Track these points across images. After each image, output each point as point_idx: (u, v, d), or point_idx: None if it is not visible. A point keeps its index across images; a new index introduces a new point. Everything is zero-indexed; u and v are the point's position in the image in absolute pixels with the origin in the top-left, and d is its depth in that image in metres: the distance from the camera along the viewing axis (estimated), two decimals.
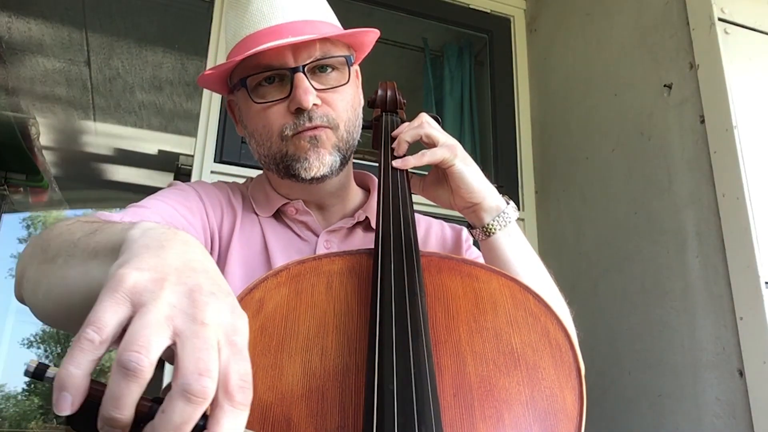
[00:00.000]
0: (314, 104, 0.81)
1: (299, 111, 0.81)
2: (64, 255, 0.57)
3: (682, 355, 1.46)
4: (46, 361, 0.40)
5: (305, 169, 0.83)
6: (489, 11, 2.33)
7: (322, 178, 0.84)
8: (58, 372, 0.37)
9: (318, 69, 0.84)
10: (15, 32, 2.88)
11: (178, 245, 0.47)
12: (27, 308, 0.69)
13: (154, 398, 0.39)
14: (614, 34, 1.88)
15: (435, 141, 0.83)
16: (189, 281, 0.42)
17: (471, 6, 2.31)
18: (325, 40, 0.84)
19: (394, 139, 0.88)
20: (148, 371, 0.37)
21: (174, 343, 0.39)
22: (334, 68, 0.86)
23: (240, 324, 0.42)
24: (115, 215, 0.75)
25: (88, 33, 2.86)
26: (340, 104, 0.85)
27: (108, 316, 0.39)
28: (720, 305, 1.38)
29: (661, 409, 1.49)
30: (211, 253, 0.81)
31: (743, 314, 1.32)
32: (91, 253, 0.53)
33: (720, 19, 1.50)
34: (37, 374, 0.39)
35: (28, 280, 0.64)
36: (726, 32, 1.50)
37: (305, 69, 0.81)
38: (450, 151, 0.82)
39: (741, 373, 1.31)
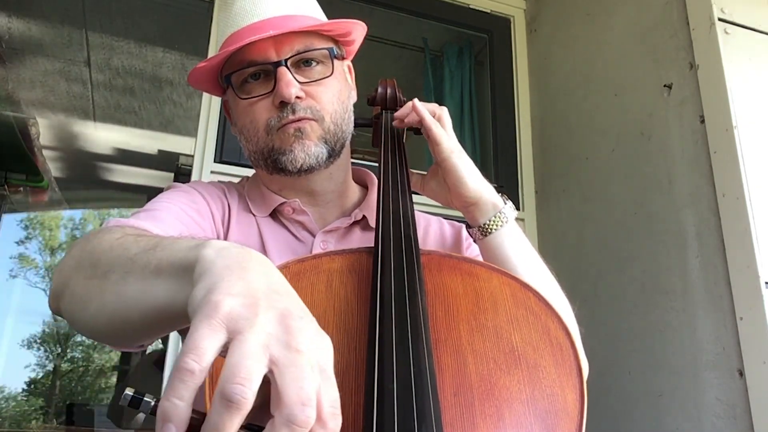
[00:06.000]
0: (297, 97, 0.82)
1: (283, 104, 0.82)
2: (120, 271, 0.56)
3: (682, 355, 1.46)
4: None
5: (291, 161, 0.83)
6: (489, 11, 2.33)
7: (310, 170, 0.84)
8: (161, 404, 0.38)
9: (303, 63, 0.85)
10: (15, 32, 2.87)
11: (257, 266, 0.46)
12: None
13: (248, 425, 0.39)
14: (614, 34, 1.87)
15: (442, 123, 0.85)
16: (278, 305, 0.42)
17: (471, 6, 2.30)
18: (308, 34, 0.85)
19: (394, 132, 0.88)
20: (250, 402, 0.37)
21: (271, 372, 0.39)
22: (318, 62, 0.86)
23: (326, 347, 0.42)
24: (139, 221, 0.73)
25: (88, 33, 2.85)
26: (325, 96, 0.85)
27: (206, 343, 0.39)
28: (720, 305, 1.38)
29: (661, 409, 1.49)
30: None
31: (743, 314, 1.32)
32: (153, 271, 0.52)
33: (720, 19, 1.50)
34: (133, 404, 0.41)
35: (72, 294, 0.63)
36: (726, 32, 1.50)
37: (288, 63, 0.82)
38: (448, 140, 0.83)
39: (741, 373, 1.31)
